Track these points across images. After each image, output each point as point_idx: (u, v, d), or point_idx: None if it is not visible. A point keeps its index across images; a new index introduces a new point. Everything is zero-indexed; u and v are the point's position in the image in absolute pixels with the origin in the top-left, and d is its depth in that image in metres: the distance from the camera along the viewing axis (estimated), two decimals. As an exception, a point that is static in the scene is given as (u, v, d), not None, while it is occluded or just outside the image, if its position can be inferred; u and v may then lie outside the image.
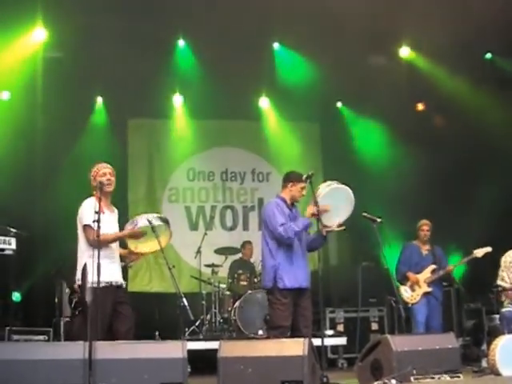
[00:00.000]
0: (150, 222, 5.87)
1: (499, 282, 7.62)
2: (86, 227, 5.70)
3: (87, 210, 5.68)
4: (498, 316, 7.80)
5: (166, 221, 6.11)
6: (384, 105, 10.54)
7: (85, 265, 5.59)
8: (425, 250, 8.39)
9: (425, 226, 8.39)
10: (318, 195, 6.34)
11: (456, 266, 8.37)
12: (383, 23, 8.73)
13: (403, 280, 8.25)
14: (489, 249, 8.00)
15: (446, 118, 10.70)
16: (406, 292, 8.17)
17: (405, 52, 10.09)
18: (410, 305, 8.09)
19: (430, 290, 8.14)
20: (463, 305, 9.85)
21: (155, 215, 6.11)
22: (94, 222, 5.44)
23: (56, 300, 9.32)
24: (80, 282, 5.69)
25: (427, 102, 11.36)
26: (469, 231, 9.66)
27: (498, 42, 9.44)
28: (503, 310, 7.41)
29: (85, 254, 5.70)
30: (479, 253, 8.01)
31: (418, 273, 8.22)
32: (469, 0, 8.26)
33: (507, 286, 7.52)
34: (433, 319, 8.13)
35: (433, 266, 8.21)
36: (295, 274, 6.38)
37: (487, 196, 9.73)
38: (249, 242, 10.55)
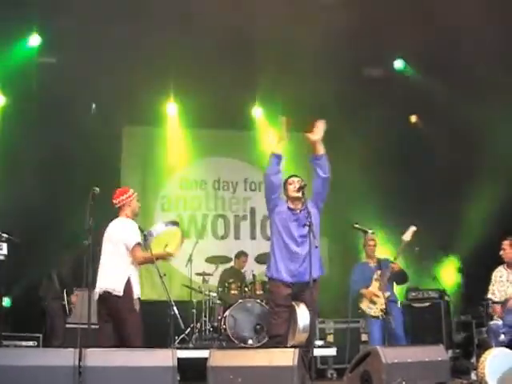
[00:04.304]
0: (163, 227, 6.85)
1: (489, 296, 7.70)
2: (136, 246, 6.39)
3: (134, 231, 6.45)
4: (487, 329, 7.83)
5: (176, 223, 7.16)
6: (377, 117, 10.57)
7: (129, 278, 6.30)
8: (373, 263, 8.19)
9: (371, 241, 8.21)
10: None
11: (395, 258, 7.88)
12: (378, 36, 8.79)
13: (360, 298, 8.01)
14: (413, 228, 7.72)
15: (438, 130, 10.72)
16: (369, 309, 7.94)
17: (399, 64, 10.15)
18: (380, 317, 7.77)
19: (388, 294, 7.83)
20: (453, 317, 9.85)
21: (163, 222, 7.06)
22: (139, 243, 6.39)
23: (46, 306, 9.28)
24: (120, 294, 6.26)
25: (421, 114, 11.39)
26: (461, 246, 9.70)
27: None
28: (490, 322, 7.45)
29: (124, 268, 6.35)
30: (407, 236, 7.73)
31: (369, 286, 8.01)
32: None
33: (496, 299, 7.60)
34: (397, 327, 7.79)
35: (378, 272, 7.96)
36: (286, 269, 6.43)
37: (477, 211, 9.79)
38: (244, 254, 10.55)
